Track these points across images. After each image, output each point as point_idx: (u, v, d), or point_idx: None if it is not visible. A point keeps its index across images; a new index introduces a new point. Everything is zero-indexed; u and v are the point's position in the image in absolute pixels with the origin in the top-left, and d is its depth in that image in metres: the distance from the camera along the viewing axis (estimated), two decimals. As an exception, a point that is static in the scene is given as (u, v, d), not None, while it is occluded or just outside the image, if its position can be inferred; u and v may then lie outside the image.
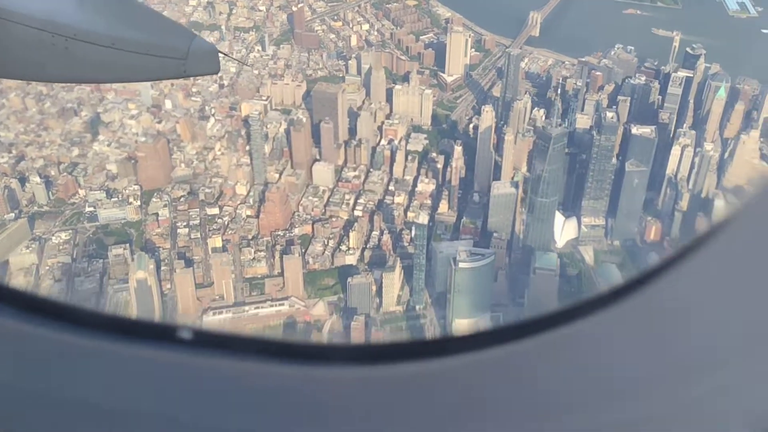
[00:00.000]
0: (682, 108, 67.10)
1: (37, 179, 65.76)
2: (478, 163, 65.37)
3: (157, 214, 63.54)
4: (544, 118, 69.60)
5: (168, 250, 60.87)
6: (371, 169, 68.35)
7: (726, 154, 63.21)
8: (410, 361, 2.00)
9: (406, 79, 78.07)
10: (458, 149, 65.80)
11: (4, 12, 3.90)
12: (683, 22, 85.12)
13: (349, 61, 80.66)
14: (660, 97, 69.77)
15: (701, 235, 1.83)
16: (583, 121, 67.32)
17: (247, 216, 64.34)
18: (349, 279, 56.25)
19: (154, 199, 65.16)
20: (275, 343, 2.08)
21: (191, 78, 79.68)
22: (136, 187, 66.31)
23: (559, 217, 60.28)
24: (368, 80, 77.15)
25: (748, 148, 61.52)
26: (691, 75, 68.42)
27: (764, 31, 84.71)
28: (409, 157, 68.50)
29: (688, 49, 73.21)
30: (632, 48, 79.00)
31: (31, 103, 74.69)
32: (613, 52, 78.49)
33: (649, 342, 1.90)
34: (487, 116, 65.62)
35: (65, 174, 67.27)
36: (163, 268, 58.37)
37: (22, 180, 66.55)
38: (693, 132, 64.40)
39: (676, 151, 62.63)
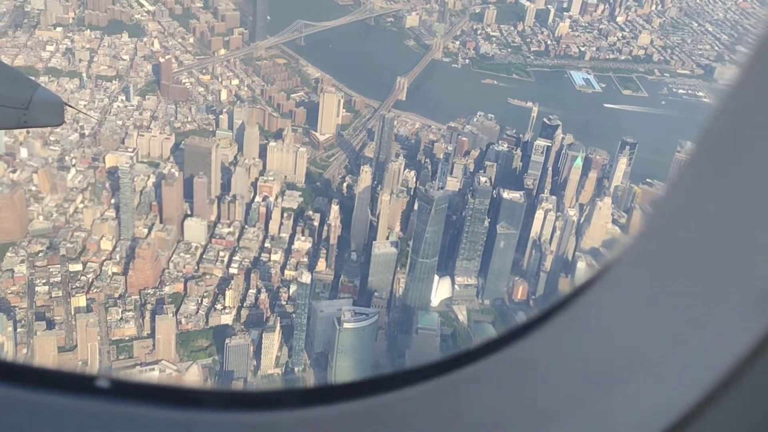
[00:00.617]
0: (542, 174, 71.67)
1: None
2: (354, 222, 66.09)
3: (12, 270, 58.70)
4: (415, 179, 71.94)
5: (25, 310, 56.21)
6: (246, 226, 67.20)
7: (582, 219, 67.96)
8: (292, 409, 2.13)
9: (278, 136, 77.99)
10: (335, 208, 66.28)
11: None
12: (536, 93, 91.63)
13: (220, 116, 79.53)
14: (521, 163, 74.19)
15: (564, 296, 2.13)
16: (452, 184, 70.08)
17: (113, 273, 60.96)
18: (227, 340, 54.38)
19: (9, 254, 60.25)
20: (195, 391, 2.18)
21: (48, 127, 75.53)
22: (-12, 240, 61.11)
23: (434, 276, 61.88)
24: (241, 136, 76.38)
25: (602, 214, 66.52)
26: (550, 144, 73.38)
27: (606, 105, 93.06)
28: (285, 215, 68.06)
29: (545, 120, 78.64)
30: (492, 116, 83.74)
31: None
32: (475, 119, 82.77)
33: (519, 390, 2.16)
34: (366, 176, 66.79)
35: None
36: (19, 330, 53.78)
37: None
38: (554, 197, 68.81)
39: (539, 214, 66.54)
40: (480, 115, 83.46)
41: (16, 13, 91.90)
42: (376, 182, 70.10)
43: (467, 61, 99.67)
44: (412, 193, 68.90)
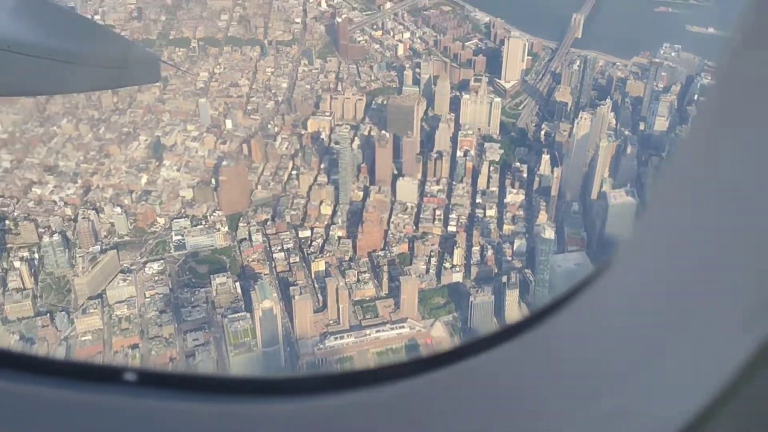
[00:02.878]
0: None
1: (118, 209, 63.05)
2: (566, 171, 65.16)
3: (249, 239, 61.52)
4: (615, 121, 69.94)
5: (268, 276, 59.00)
6: (453, 183, 67.51)
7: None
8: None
9: (462, 87, 77.38)
10: (546, 158, 65.49)
11: None
12: (717, 18, 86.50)
13: (404, 72, 79.53)
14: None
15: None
16: (660, 124, 67.81)
17: (339, 237, 62.86)
18: (471, 298, 55.34)
19: (240, 224, 63.09)
20: (235, 380, 2.10)
21: (245, 95, 77.77)
22: (219, 213, 64.10)
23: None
24: (428, 90, 76.27)
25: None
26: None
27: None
28: (492, 168, 67.88)
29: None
30: (679, 46, 79.93)
31: (85, 129, 71.77)
32: (661, 51, 79.28)
33: (548, 372, 2.05)
34: (585, 123, 65.34)
35: (142, 202, 64.58)
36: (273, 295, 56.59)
37: (96, 210, 63.86)
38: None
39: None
40: (666, 47, 79.87)
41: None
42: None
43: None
44: (620, 137, 67.11)
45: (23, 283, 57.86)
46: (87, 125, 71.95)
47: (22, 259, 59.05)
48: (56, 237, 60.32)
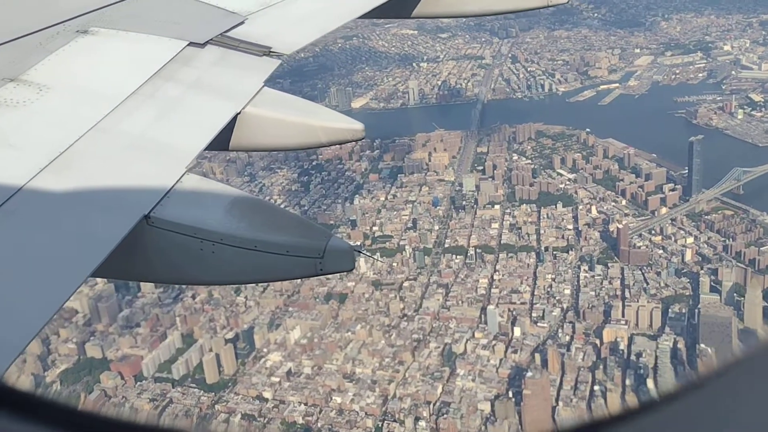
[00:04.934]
0: None
1: (422, 423, 61.36)
2: None
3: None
4: None
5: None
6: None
7: None
8: None
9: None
10: None
11: (158, 221, 4.18)
12: None
13: (701, 279, 74.72)
14: None
15: None
16: None
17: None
18: None
19: (549, 444, 58.51)
20: None
21: (528, 302, 76.21)
22: None
23: None
24: (730, 298, 70.50)
25: None
26: None
27: None
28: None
29: None
30: None
31: (378, 335, 72.86)
32: None
33: None
34: None
35: (445, 416, 62.52)
36: None
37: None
38: None
39: None
40: None
41: (456, 196, 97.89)
42: None
43: None
44: None
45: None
46: (379, 331, 73.21)
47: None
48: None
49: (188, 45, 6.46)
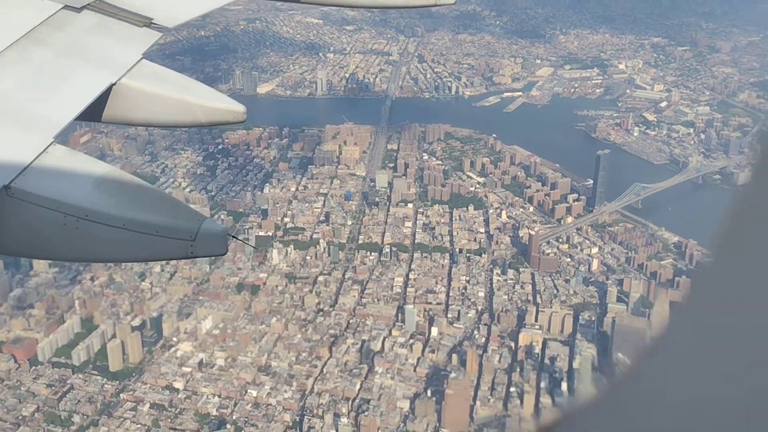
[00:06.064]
0: None
1: (344, 420, 60.05)
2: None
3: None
4: None
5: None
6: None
7: None
8: None
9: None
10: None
11: (19, 192, 4.03)
12: None
13: (608, 288, 77.70)
14: None
15: None
16: None
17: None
18: None
19: (472, 446, 58.97)
20: None
21: (443, 303, 76.53)
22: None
23: None
24: (637, 309, 73.81)
25: None
26: None
27: None
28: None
29: None
30: None
31: (293, 329, 70.90)
32: None
33: None
34: None
35: (365, 413, 61.51)
36: None
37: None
38: None
39: None
40: None
41: (369, 192, 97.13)
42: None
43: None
44: None
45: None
46: (296, 325, 71.21)
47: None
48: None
49: (63, 8, 6.01)
